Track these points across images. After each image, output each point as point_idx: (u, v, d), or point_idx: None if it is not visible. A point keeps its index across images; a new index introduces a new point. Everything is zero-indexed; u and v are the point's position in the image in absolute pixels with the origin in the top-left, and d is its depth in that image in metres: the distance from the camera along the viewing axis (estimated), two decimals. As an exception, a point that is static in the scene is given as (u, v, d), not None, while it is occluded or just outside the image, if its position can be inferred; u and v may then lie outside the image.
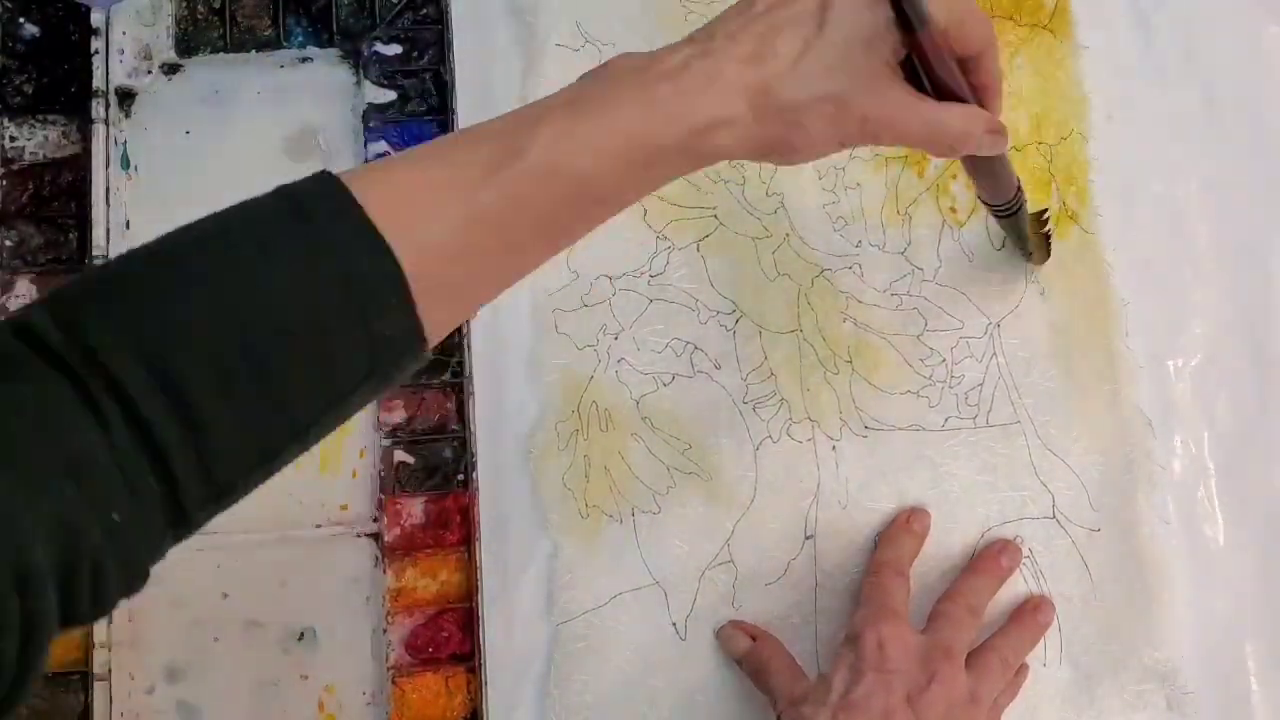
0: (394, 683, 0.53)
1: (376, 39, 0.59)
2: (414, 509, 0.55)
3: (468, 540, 0.54)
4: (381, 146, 0.58)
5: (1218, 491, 0.57)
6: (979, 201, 0.50)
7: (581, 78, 0.40)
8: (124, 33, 0.58)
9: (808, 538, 0.55)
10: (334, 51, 0.59)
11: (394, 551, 0.54)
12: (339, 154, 0.58)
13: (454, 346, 0.56)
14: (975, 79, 0.41)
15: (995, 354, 0.57)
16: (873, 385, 0.57)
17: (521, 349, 0.57)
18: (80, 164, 0.57)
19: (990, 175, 0.47)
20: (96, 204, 0.56)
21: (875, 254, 0.58)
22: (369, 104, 0.58)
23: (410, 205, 0.35)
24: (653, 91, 0.37)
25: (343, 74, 0.59)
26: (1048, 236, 0.54)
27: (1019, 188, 0.48)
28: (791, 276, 0.57)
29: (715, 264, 0.57)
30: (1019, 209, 0.49)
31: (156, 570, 0.54)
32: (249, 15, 0.59)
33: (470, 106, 0.58)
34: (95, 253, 0.56)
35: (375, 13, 0.59)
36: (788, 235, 0.58)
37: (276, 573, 0.55)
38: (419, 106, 0.58)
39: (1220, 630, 0.55)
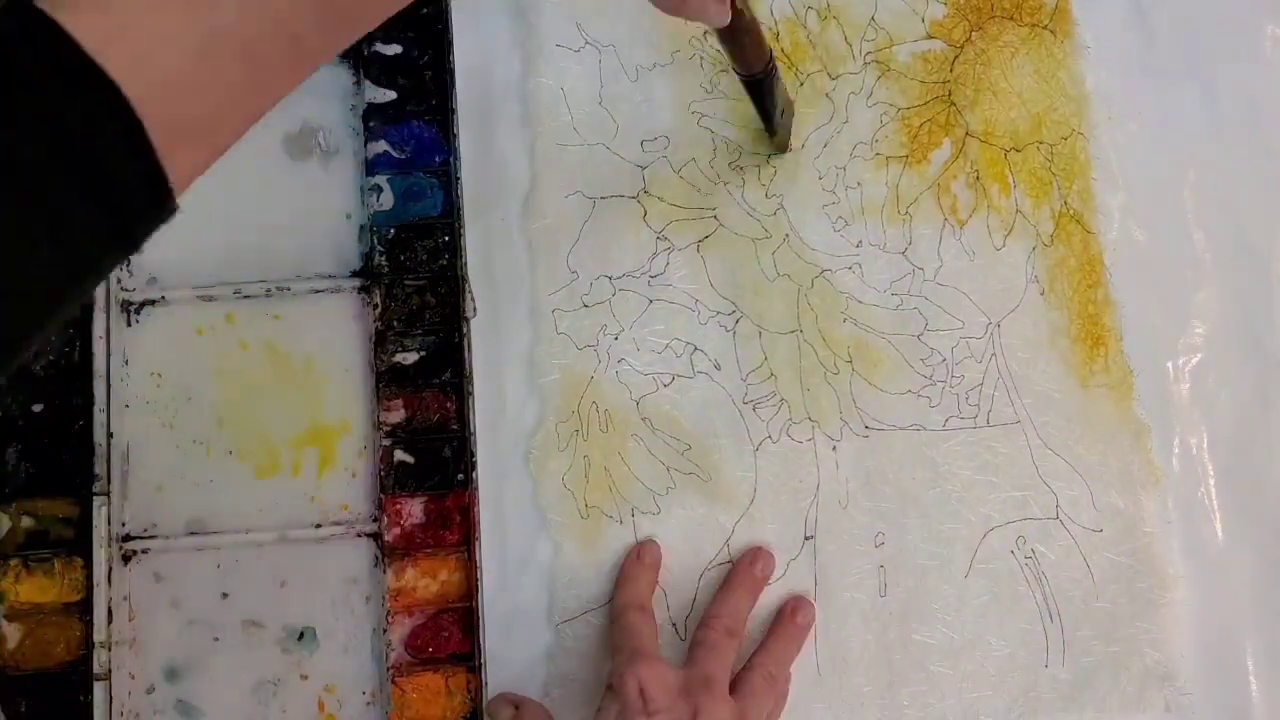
0: (394, 683, 0.53)
1: (376, 39, 0.58)
2: (414, 509, 0.55)
3: (468, 540, 0.54)
4: (381, 146, 0.57)
5: (1217, 492, 0.57)
6: (733, 72, 0.51)
7: None
8: (124, 32, 0.58)
9: (808, 538, 0.55)
10: (334, 51, 0.59)
11: (394, 551, 0.54)
12: (339, 154, 0.58)
13: (454, 346, 0.56)
14: None
15: (995, 354, 0.57)
16: (873, 385, 0.57)
17: (521, 349, 0.57)
18: (80, 163, 0.57)
19: (738, 45, 0.47)
20: (96, 203, 0.56)
21: (875, 254, 0.58)
22: (369, 104, 0.58)
23: (135, 31, 0.29)
24: None
25: (343, 74, 0.59)
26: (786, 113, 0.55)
27: (770, 59, 0.49)
28: (791, 277, 0.57)
29: (715, 264, 0.57)
30: (766, 80, 0.50)
31: (157, 569, 0.55)
32: (249, 15, 0.59)
33: (470, 106, 0.58)
34: (95, 252, 0.56)
35: (375, 12, 0.59)
36: (787, 236, 0.58)
37: (276, 573, 0.55)
38: (419, 106, 0.58)
39: (1220, 631, 0.56)
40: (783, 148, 0.58)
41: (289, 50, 0.33)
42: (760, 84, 0.50)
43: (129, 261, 0.57)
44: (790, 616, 0.54)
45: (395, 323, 0.56)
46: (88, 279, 0.30)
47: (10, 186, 0.27)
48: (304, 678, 0.54)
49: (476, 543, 0.54)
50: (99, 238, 0.29)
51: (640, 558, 0.54)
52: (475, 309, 0.56)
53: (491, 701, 0.53)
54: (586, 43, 0.59)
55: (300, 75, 0.34)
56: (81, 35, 0.28)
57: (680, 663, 0.52)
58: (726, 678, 0.50)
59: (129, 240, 0.30)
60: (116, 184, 0.29)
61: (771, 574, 0.55)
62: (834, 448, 0.56)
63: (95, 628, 0.53)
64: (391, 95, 0.58)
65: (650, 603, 0.54)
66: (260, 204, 0.58)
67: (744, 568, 0.54)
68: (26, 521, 0.54)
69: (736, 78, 0.51)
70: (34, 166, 0.28)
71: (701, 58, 0.59)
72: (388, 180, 0.57)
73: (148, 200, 0.30)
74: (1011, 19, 0.60)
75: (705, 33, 0.59)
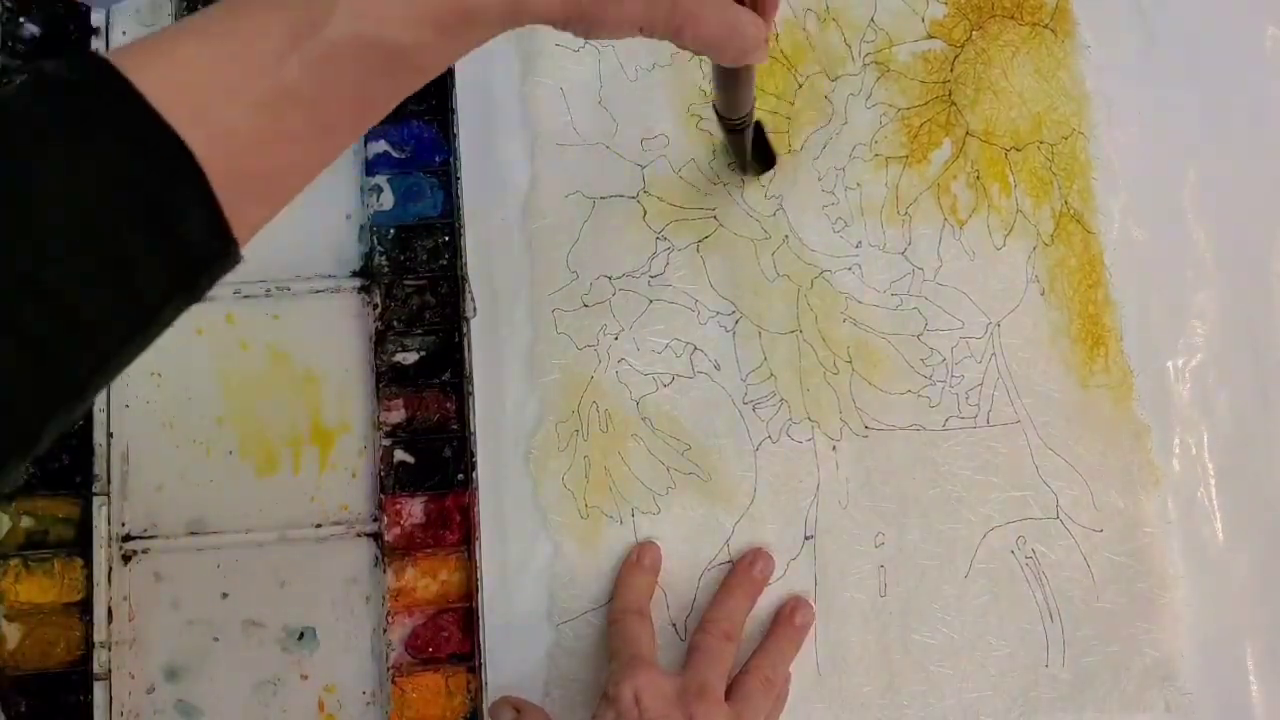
0: (394, 682, 0.53)
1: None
2: (414, 509, 0.55)
3: (468, 540, 0.54)
4: (381, 146, 0.58)
5: (1217, 492, 0.57)
6: (713, 110, 0.50)
7: None
8: (124, 33, 0.58)
9: (808, 538, 0.55)
10: (334, 51, 0.59)
11: (394, 551, 0.54)
12: (339, 154, 0.58)
13: (455, 346, 0.56)
14: None
15: (995, 354, 0.57)
16: (873, 385, 0.57)
17: (521, 349, 0.57)
18: (80, 163, 0.57)
19: (736, 89, 0.47)
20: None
21: (875, 254, 0.58)
22: (369, 104, 0.58)
23: (199, 86, 0.30)
24: None
25: (343, 73, 0.59)
26: (767, 150, 0.55)
27: (752, 107, 0.49)
28: (791, 277, 0.57)
29: (715, 265, 0.57)
30: (746, 127, 0.50)
31: (157, 569, 0.55)
32: (249, 15, 0.59)
33: (470, 106, 0.58)
34: (95, 252, 0.56)
35: (375, 12, 0.59)
36: (787, 237, 0.58)
37: (276, 573, 0.55)
38: (419, 106, 0.58)
39: (1220, 631, 0.56)
40: (757, 174, 0.58)
41: (355, 105, 0.33)
42: (742, 130, 0.50)
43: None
44: (789, 617, 0.54)
45: (395, 323, 0.56)
46: (151, 327, 0.31)
47: (77, 234, 0.28)
48: (304, 678, 0.54)
49: (476, 543, 0.54)
50: (163, 287, 0.30)
51: (639, 561, 0.54)
52: (475, 309, 0.56)
53: (493, 705, 0.53)
54: (586, 43, 0.59)
55: (366, 126, 0.35)
56: (146, 88, 0.29)
57: (681, 666, 0.52)
58: (722, 683, 0.50)
59: (192, 290, 0.31)
60: (181, 234, 0.29)
61: (770, 575, 0.55)
62: (834, 448, 0.56)
63: (95, 628, 0.53)
64: (391, 95, 0.58)
65: (648, 607, 0.54)
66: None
67: (742, 569, 0.54)
68: (26, 521, 0.54)
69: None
70: (99, 214, 0.28)
71: (701, 59, 0.59)
72: (388, 180, 0.57)
73: (212, 251, 0.31)
74: (1012, 18, 0.60)
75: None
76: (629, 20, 0.36)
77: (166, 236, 0.29)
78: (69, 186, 0.28)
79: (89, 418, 0.55)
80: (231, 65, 0.31)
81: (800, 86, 0.59)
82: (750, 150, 0.54)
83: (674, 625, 0.55)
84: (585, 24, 0.36)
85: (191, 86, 0.30)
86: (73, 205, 0.28)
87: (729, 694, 0.51)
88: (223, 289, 0.56)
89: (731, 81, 0.46)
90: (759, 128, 0.53)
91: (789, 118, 0.59)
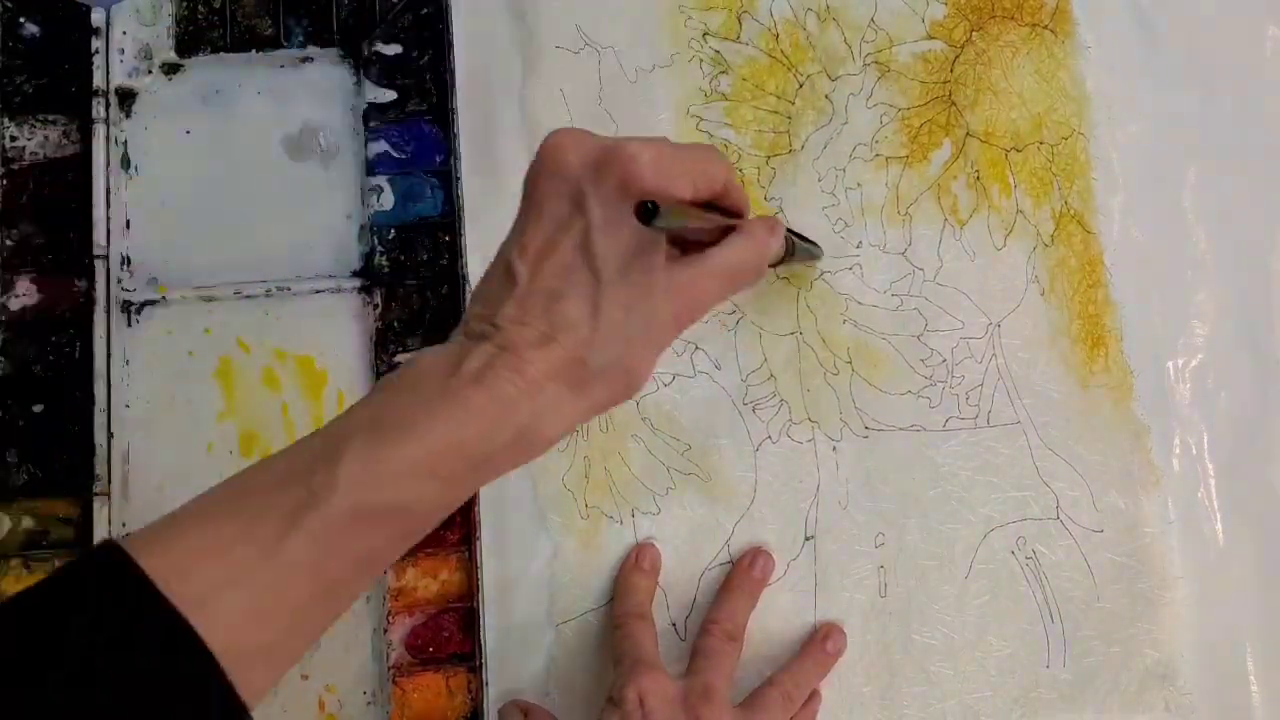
0: (394, 682, 0.53)
1: (376, 39, 0.59)
2: (414, 509, 0.55)
3: (468, 540, 0.54)
4: (381, 146, 0.58)
5: (1218, 492, 0.57)
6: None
7: (378, 388, 0.37)
8: (124, 33, 0.58)
9: (808, 538, 0.55)
10: (334, 51, 0.59)
11: (394, 552, 0.54)
12: (339, 154, 0.58)
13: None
14: (728, 202, 0.40)
15: (996, 354, 0.57)
16: (873, 386, 0.57)
17: (521, 349, 0.57)
18: (80, 164, 0.57)
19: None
20: (96, 204, 0.56)
21: (875, 254, 0.58)
22: (369, 104, 0.58)
23: (205, 571, 0.31)
24: (465, 399, 0.35)
25: (343, 74, 0.59)
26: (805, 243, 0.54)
27: (789, 232, 0.48)
28: (791, 278, 0.57)
29: (715, 264, 0.57)
30: (793, 249, 0.49)
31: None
32: (249, 15, 0.59)
33: (470, 107, 0.58)
34: (96, 252, 0.56)
35: (375, 13, 0.59)
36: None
37: (276, 573, 0.55)
38: (419, 106, 0.58)
39: (1220, 631, 0.55)
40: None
41: (360, 565, 0.34)
42: (788, 255, 0.49)
43: (129, 261, 0.57)
44: (821, 641, 0.54)
45: (395, 323, 0.56)
46: None
47: (95, 712, 0.29)
48: (304, 677, 0.54)
49: (477, 543, 0.54)
50: None
51: (638, 563, 0.54)
52: (475, 309, 0.56)
53: (503, 709, 0.53)
54: (586, 44, 0.59)
55: (373, 579, 0.37)
56: (153, 573, 0.30)
57: (684, 665, 0.52)
58: (728, 685, 0.50)
59: None
60: (190, 712, 0.30)
61: (771, 575, 0.55)
62: (834, 448, 0.56)
63: (95, 628, 0.53)
64: (391, 95, 0.58)
65: (650, 610, 0.53)
66: (260, 204, 0.58)
67: (742, 569, 0.54)
68: (26, 521, 0.54)
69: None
70: (113, 691, 0.29)
71: (701, 60, 0.59)
72: (388, 180, 0.57)
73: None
74: (1012, 19, 0.60)
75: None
76: (650, 369, 0.38)
77: (179, 714, 0.30)
78: (89, 686, 0.29)
79: (89, 418, 0.55)
80: (234, 548, 0.32)
81: (801, 86, 0.59)
82: (800, 258, 0.53)
83: (674, 625, 0.55)
84: (618, 404, 0.38)
85: (196, 572, 0.31)
86: (86, 693, 0.29)
87: (746, 703, 0.51)
88: (224, 289, 0.56)
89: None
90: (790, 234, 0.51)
91: (789, 117, 0.59)
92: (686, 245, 0.40)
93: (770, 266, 0.47)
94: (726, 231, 0.40)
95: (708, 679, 0.49)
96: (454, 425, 0.34)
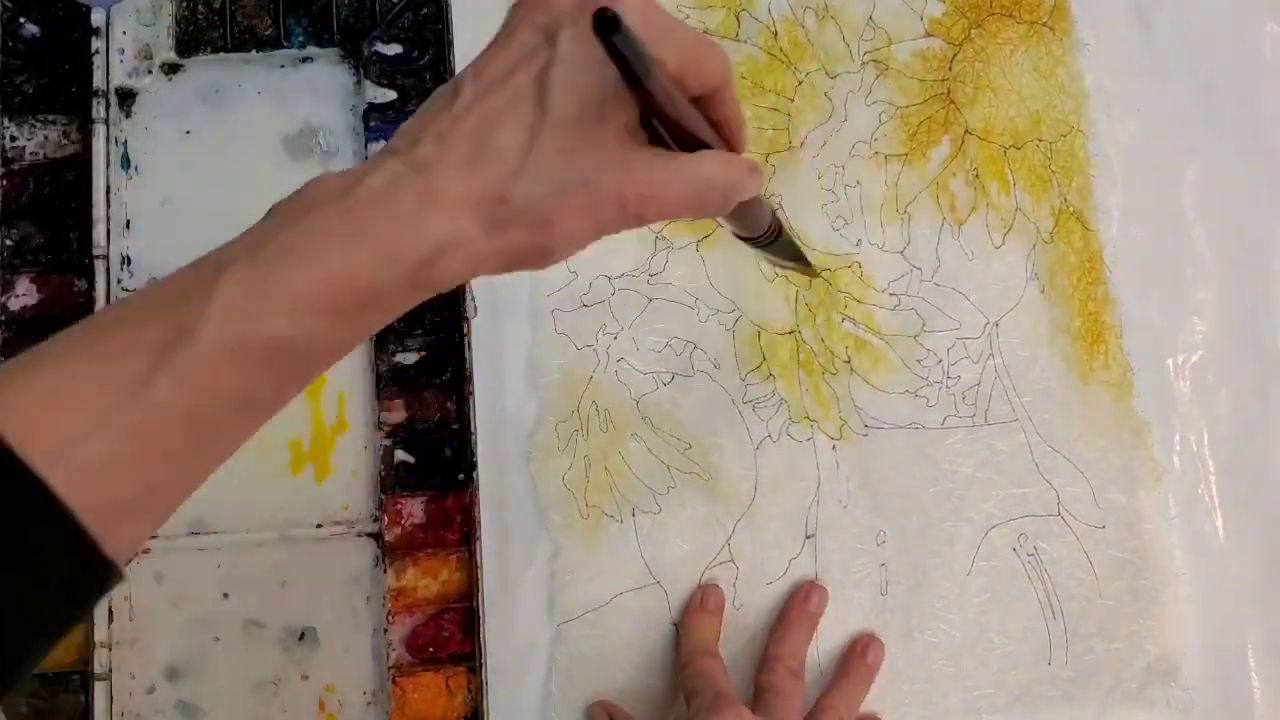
0: (394, 682, 0.53)
1: (376, 39, 0.59)
2: (414, 509, 0.55)
3: (468, 540, 0.54)
4: (381, 146, 0.57)
5: (1218, 488, 0.57)
6: (734, 237, 0.45)
7: (269, 212, 0.32)
8: (124, 33, 0.58)
9: (808, 537, 0.55)
10: (334, 51, 0.59)
11: (394, 551, 0.54)
12: (339, 154, 0.58)
13: (455, 346, 0.56)
14: (716, 114, 0.36)
15: (993, 353, 0.57)
16: (871, 385, 0.57)
17: (521, 349, 0.57)
18: (80, 164, 0.57)
19: (746, 212, 0.41)
20: (97, 204, 0.56)
21: (874, 253, 0.58)
22: (369, 104, 0.58)
23: (61, 418, 0.28)
24: (358, 221, 0.30)
25: (343, 74, 0.59)
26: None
27: (774, 212, 0.44)
28: (790, 278, 0.57)
29: (714, 264, 0.57)
30: (779, 233, 0.44)
31: (158, 569, 0.55)
32: (249, 15, 0.59)
33: (470, 106, 0.58)
34: (96, 252, 0.56)
35: (375, 13, 0.59)
36: (787, 236, 0.58)
37: (276, 573, 0.55)
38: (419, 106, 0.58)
39: (1221, 627, 0.55)
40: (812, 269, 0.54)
41: (238, 410, 0.31)
42: (776, 239, 0.45)
43: (129, 261, 0.57)
44: (860, 655, 0.54)
45: (396, 323, 0.56)
46: (36, 655, 0.29)
47: None
48: (304, 678, 0.54)
49: (477, 543, 0.54)
50: (42, 625, 0.29)
51: (703, 604, 0.54)
52: (475, 309, 0.56)
53: (590, 708, 0.53)
54: (586, 43, 0.59)
55: (255, 427, 0.32)
56: (6, 423, 0.27)
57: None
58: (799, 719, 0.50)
59: (74, 617, 0.29)
60: (51, 573, 0.28)
61: (825, 608, 0.54)
62: (834, 447, 0.56)
63: (96, 628, 0.53)
64: (391, 95, 0.58)
65: (717, 648, 0.53)
66: (260, 204, 0.57)
67: (798, 604, 0.54)
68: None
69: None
70: None
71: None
72: (388, 180, 0.57)
73: (87, 583, 0.29)
74: (1010, 16, 0.60)
75: (704, 33, 0.59)
76: (576, 237, 0.33)
77: (37, 579, 0.28)
78: None
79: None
80: (93, 391, 0.28)
81: (800, 84, 0.59)
82: (785, 253, 0.49)
83: (675, 625, 0.55)
84: (530, 263, 0.33)
85: (51, 420, 0.28)
86: None
87: None
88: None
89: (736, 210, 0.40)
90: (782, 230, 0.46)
91: (788, 115, 0.59)
92: (658, 142, 0.35)
93: (757, 245, 0.44)
94: (702, 146, 0.35)
95: (782, 717, 0.49)
96: (343, 249, 0.30)
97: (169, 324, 0.29)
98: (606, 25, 0.28)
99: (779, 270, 0.57)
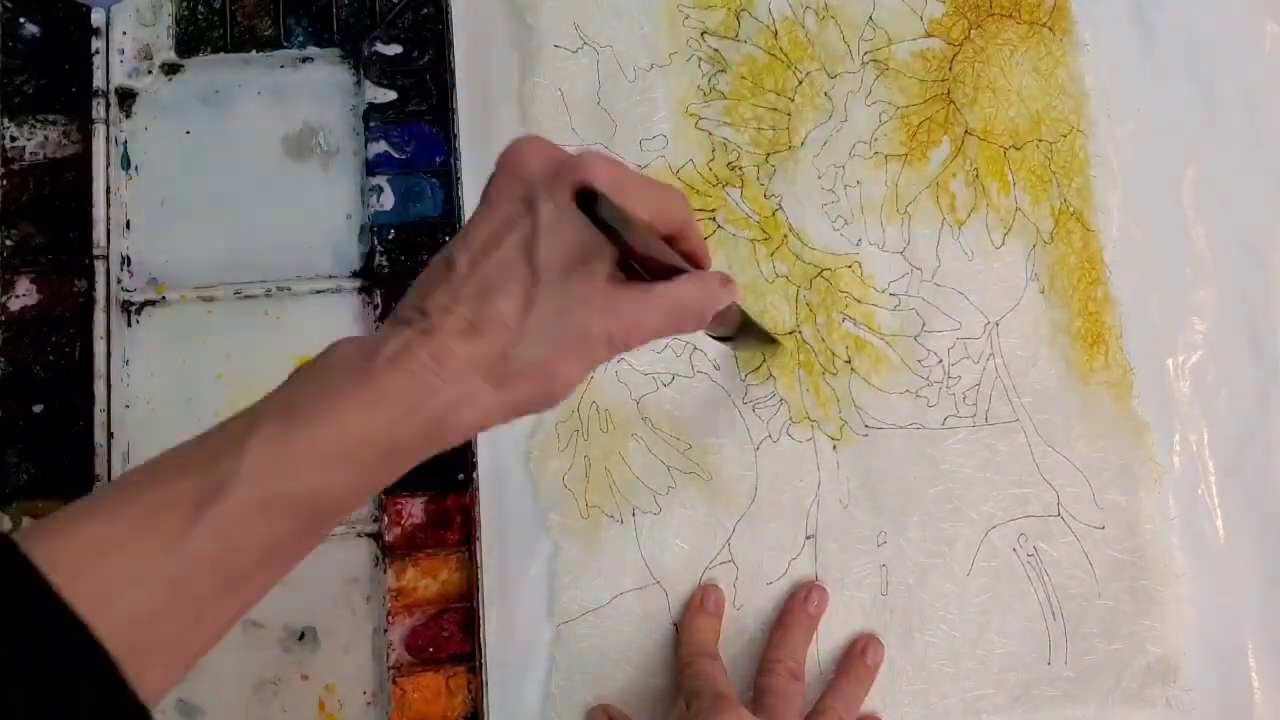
0: (394, 682, 0.53)
1: (376, 39, 0.59)
2: (414, 509, 0.55)
3: (468, 540, 0.54)
4: (381, 146, 0.58)
5: (1218, 488, 0.57)
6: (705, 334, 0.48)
7: (294, 374, 0.35)
8: (124, 33, 0.58)
9: (808, 537, 0.55)
10: (334, 51, 0.59)
11: (394, 551, 0.54)
12: (339, 154, 0.58)
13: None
14: (682, 247, 0.39)
15: (994, 354, 0.57)
16: (871, 385, 0.57)
17: (521, 349, 0.57)
18: (80, 164, 0.57)
19: (721, 316, 0.43)
20: (97, 204, 0.56)
21: (874, 253, 0.58)
22: (369, 104, 0.58)
23: (104, 566, 0.30)
24: (378, 383, 0.34)
25: (343, 74, 0.59)
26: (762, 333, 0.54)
27: (740, 309, 0.47)
28: (790, 277, 0.57)
29: (714, 264, 0.57)
30: (747, 328, 0.48)
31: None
32: (249, 15, 0.59)
33: (470, 106, 0.58)
34: (96, 252, 0.56)
35: (375, 13, 0.59)
36: (786, 236, 0.58)
37: (277, 573, 0.55)
38: (419, 106, 0.58)
39: (1221, 628, 0.56)
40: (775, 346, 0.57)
41: (267, 559, 0.33)
42: (742, 330, 0.49)
43: (129, 261, 0.57)
44: (860, 655, 0.54)
45: (395, 322, 0.56)
46: None
47: None
48: (304, 678, 0.54)
49: (477, 543, 0.54)
50: None
51: (703, 605, 0.54)
52: (475, 309, 0.56)
53: (591, 710, 0.53)
54: (584, 43, 0.59)
55: (281, 575, 0.34)
56: (51, 570, 0.29)
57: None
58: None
59: None
60: (89, 714, 0.29)
61: (825, 608, 0.54)
62: (834, 447, 0.56)
63: (95, 628, 0.53)
64: (391, 95, 0.58)
65: (717, 649, 0.53)
66: (260, 204, 0.58)
67: (798, 605, 0.54)
68: (27, 522, 0.54)
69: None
70: (10, 706, 0.28)
71: (699, 58, 0.59)
72: (388, 180, 0.57)
73: None
74: (1010, 16, 0.60)
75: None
76: (575, 380, 0.37)
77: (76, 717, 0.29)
78: None
79: (89, 418, 0.55)
80: (134, 541, 0.30)
81: (799, 84, 0.59)
82: (754, 340, 0.53)
83: (675, 625, 0.55)
84: (536, 408, 0.37)
85: (96, 567, 0.30)
86: None
87: None
88: (224, 289, 0.56)
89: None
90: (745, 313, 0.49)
91: (788, 114, 0.59)
92: (636, 276, 0.39)
93: (719, 338, 0.47)
94: (676, 273, 0.39)
95: (782, 716, 0.49)
96: (365, 410, 0.33)
97: (204, 480, 0.31)
98: (588, 200, 0.32)
99: (739, 352, 0.57)
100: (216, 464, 0.32)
